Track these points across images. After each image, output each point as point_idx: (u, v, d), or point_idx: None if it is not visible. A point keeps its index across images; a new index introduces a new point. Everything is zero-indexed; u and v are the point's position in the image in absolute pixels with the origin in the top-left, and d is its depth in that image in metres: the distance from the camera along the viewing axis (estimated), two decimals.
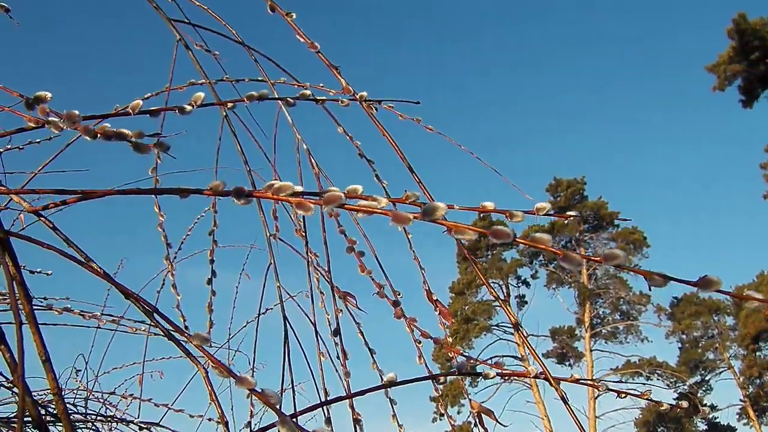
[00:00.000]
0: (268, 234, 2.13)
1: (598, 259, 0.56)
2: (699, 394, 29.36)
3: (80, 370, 3.06)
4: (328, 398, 1.04)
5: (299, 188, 0.71)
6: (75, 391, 2.99)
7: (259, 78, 1.70)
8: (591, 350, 29.05)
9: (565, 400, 0.89)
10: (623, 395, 1.03)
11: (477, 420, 2.08)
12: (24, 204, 0.83)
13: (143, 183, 2.08)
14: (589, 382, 0.95)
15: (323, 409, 1.31)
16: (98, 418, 2.45)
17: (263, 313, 2.53)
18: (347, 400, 1.82)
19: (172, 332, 0.75)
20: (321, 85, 1.71)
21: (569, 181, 30.10)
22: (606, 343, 29.69)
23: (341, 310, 1.70)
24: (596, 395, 27.36)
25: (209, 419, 2.64)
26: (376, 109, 1.24)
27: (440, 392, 2.09)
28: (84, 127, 0.73)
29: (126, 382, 2.83)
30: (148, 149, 0.72)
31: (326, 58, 1.45)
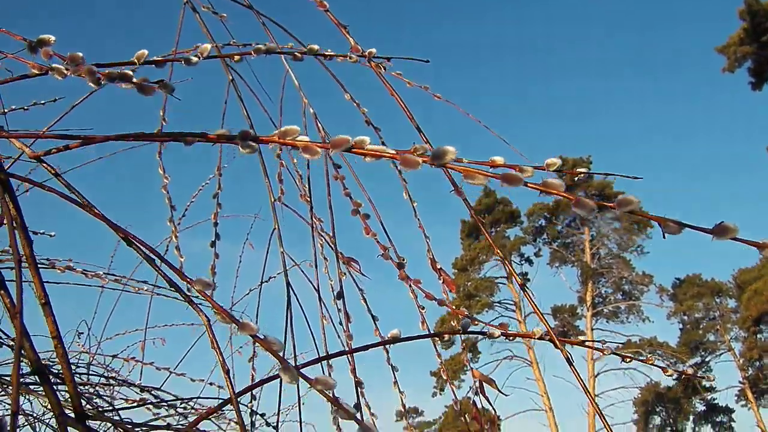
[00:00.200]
0: (272, 199, 2.11)
1: (612, 204, 0.55)
2: (698, 375, 29.44)
3: (82, 333, 3.07)
4: (329, 353, 1.03)
5: (306, 138, 0.70)
6: (78, 355, 3.00)
7: (267, 43, 1.68)
8: (592, 329, 29.12)
9: (570, 362, 0.88)
10: (628, 359, 1.02)
11: (478, 389, 2.08)
12: (26, 150, 0.82)
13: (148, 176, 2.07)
14: (596, 344, 0.94)
15: (325, 364, 1.31)
16: (101, 379, 2.45)
17: (266, 282, 2.53)
18: (350, 361, 1.81)
19: (174, 281, 0.74)
20: (329, 51, 1.69)
21: (575, 160, 29.98)
22: (607, 322, 29.77)
23: (345, 273, 1.69)
24: (596, 373, 27.48)
25: (210, 383, 2.65)
26: (385, 69, 1.22)
27: (441, 362, 2.09)
28: (88, 69, 0.71)
29: (128, 349, 2.84)
30: (152, 90, 0.71)
31: (335, 17, 1.43)
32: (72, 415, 0.68)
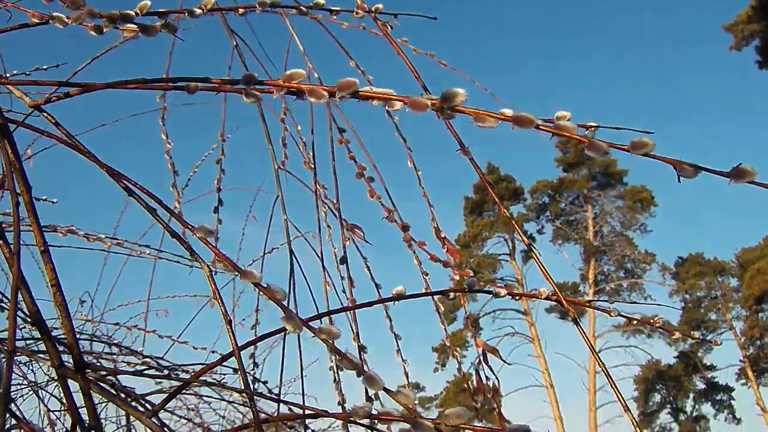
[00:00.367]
0: (275, 166, 2.10)
1: (626, 147, 0.53)
2: (699, 354, 29.59)
3: (84, 301, 3.08)
4: (331, 309, 1.02)
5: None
6: (81, 326, 3.01)
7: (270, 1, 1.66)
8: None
9: (576, 321, 0.86)
10: (634, 320, 1.01)
11: (482, 358, 2.07)
12: (26, 99, 0.80)
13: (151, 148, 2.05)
14: (603, 304, 0.93)
15: (326, 320, 1.30)
16: (104, 347, 2.46)
17: (269, 252, 2.52)
18: (353, 329, 1.81)
19: (176, 232, 0.72)
20: (334, 17, 1.66)
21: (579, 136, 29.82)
22: (609, 300, 29.76)
23: (349, 239, 1.68)
24: (598, 350, 27.53)
25: (213, 351, 2.64)
26: (391, 27, 1.20)
27: (447, 333, 2.08)
28: (89, 10, 0.69)
29: (131, 321, 2.85)
30: (155, 31, 0.69)
31: None
32: (71, 366, 0.67)
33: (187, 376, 2.72)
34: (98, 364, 2.52)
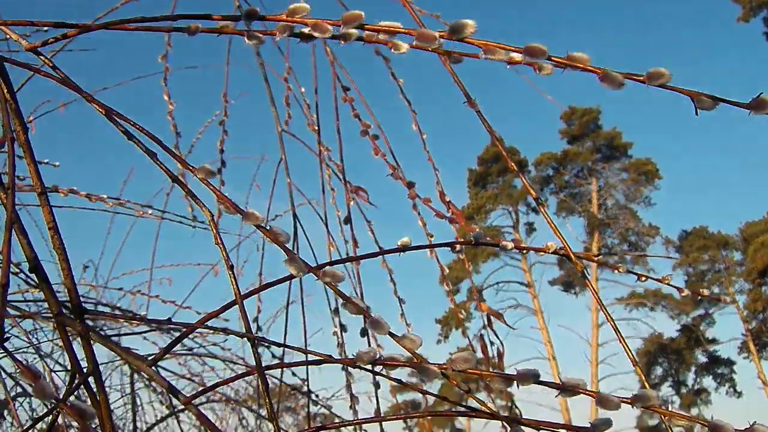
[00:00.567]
0: (279, 129, 2.08)
1: (642, 78, 0.51)
2: (701, 327, 29.69)
3: (88, 267, 3.09)
4: (333, 260, 1.01)
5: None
6: (86, 293, 3.02)
7: None
8: (597, 279, 29.23)
9: (584, 275, 0.85)
10: (643, 278, 1.00)
11: (486, 322, 2.07)
12: (22, 42, 0.78)
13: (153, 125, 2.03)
14: (610, 260, 0.91)
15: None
16: (108, 310, 2.46)
17: (272, 219, 2.51)
18: (357, 292, 1.80)
19: (176, 176, 0.71)
20: None
21: (584, 109, 29.70)
22: (613, 272, 29.78)
23: (353, 199, 1.66)
24: (600, 323, 27.67)
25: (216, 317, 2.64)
26: None
27: (452, 297, 2.07)
28: None
29: (134, 288, 2.86)
30: None
31: None
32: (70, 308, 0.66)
33: (191, 343, 2.72)
34: (102, 330, 2.53)
